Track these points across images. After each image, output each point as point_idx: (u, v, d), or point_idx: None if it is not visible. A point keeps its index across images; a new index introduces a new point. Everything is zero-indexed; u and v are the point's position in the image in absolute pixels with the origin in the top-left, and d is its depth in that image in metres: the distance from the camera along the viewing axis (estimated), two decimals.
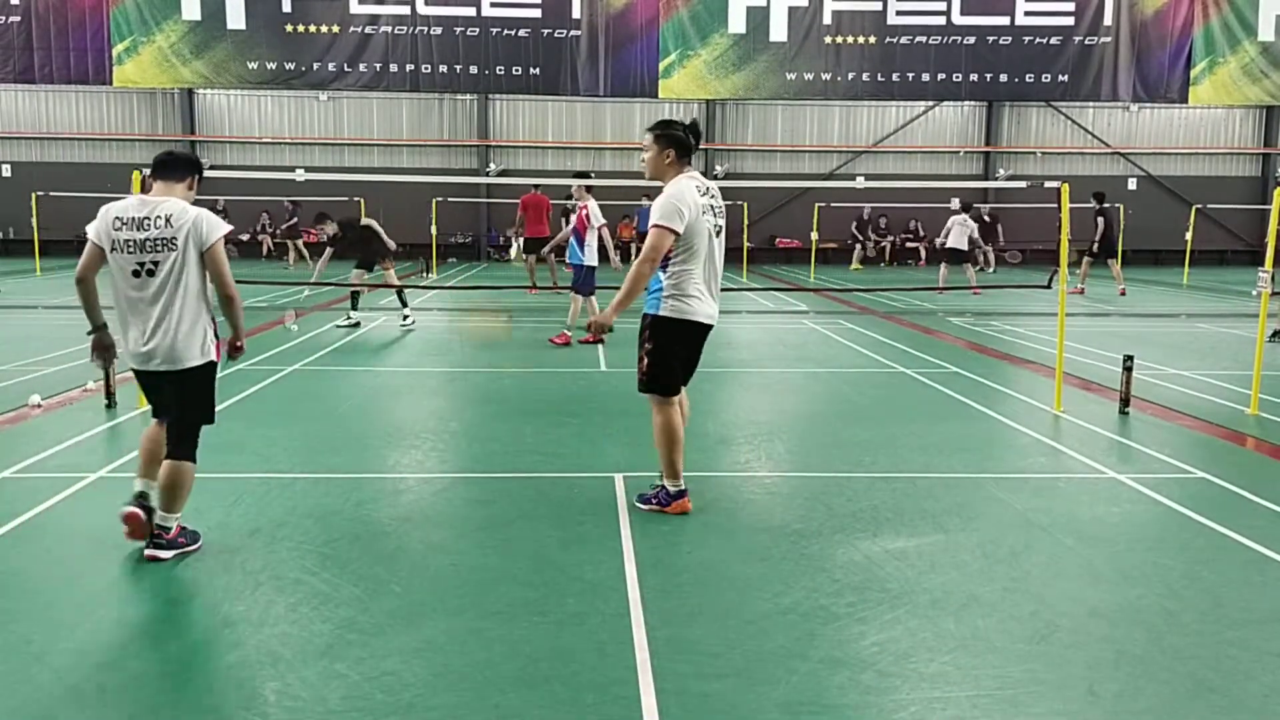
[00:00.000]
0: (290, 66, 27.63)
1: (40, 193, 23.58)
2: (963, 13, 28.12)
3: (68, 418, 7.45)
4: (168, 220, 4.42)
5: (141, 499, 4.66)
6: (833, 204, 26.55)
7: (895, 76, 28.45)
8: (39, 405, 7.76)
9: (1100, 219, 19.33)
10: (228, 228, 4.66)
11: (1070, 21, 28.33)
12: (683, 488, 5.29)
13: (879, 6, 28.05)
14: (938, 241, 21.03)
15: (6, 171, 28.67)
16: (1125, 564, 4.63)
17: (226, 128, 29.71)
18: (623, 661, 3.58)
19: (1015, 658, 3.67)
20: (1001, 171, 30.12)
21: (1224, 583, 4.41)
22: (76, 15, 27.01)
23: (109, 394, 7.79)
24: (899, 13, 28.06)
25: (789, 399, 8.96)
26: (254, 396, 8.32)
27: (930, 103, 29.48)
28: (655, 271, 5.08)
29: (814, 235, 24.09)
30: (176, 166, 4.66)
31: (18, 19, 26.92)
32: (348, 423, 7.57)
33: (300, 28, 27.45)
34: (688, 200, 5.00)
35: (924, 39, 28.26)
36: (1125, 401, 8.01)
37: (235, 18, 27.24)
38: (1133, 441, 7.12)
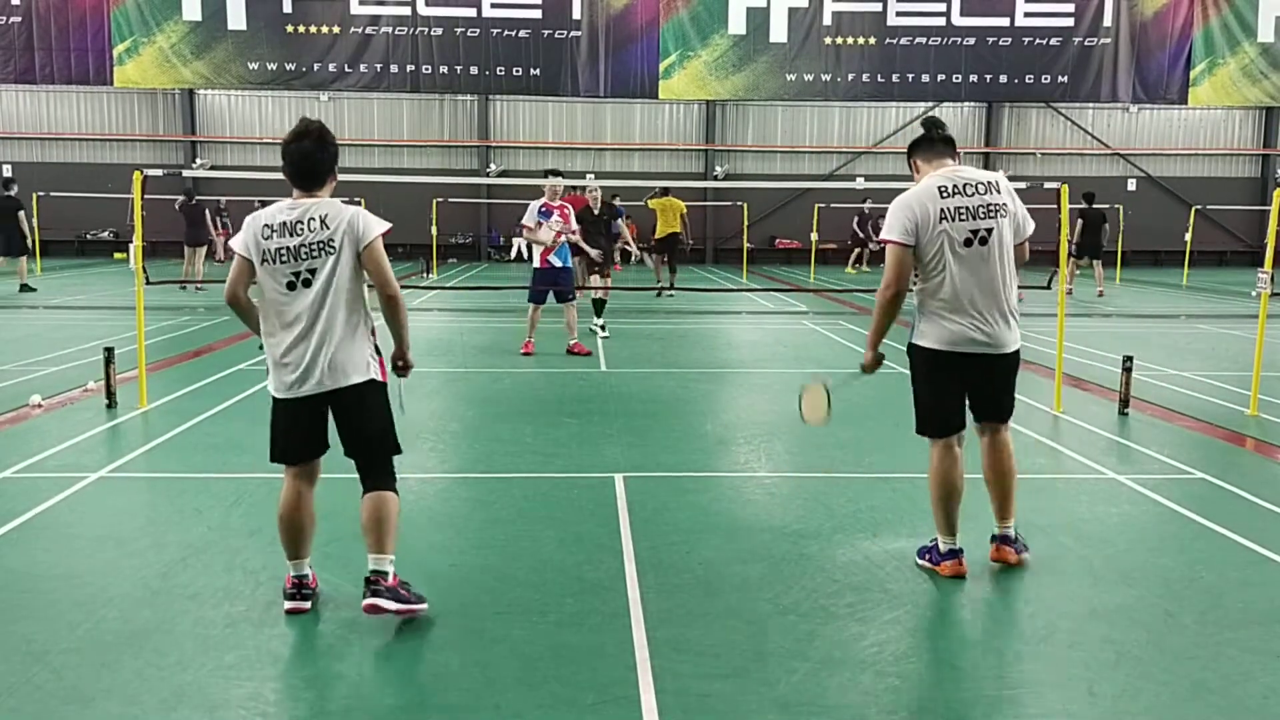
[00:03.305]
0: (291, 67, 27.66)
1: (41, 193, 23.60)
2: (963, 14, 28.14)
3: (68, 418, 7.45)
4: (322, 221, 3.90)
5: (301, 584, 4.07)
6: (832, 205, 26.52)
7: (895, 77, 28.47)
8: (39, 405, 7.76)
9: (1080, 220, 19.27)
10: (387, 225, 4.03)
11: (1070, 23, 28.36)
12: (955, 546, 4.42)
13: (879, 7, 28.08)
14: None
15: (7, 171, 28.66)
16: (1124, 564, 4.64)
17: (227, 128, 29.75)
18: (623, 661, 3.58)
19: (1015, 658, 3.67)
20: (1001, 172, 30.10)
21: (1223, 583, 4.41)
22: (77, 16, 27.03)
23: (109, 394, 7.79)
24: (899, 14, 28.09)
25: (789, 399, 8.94)
26: (254, 396, 8.30)
27: (930, 104, 29.48)
28: (900, 293, 4.33)
29: (814, 236, 24.08)
30: (318, 173, 3.99)
31: (18, 19, 26.96)
32: None
33: (301, 28, 27.47)
34: (914, 205, 4.26)
35: (924, 40, 28.29)
36: (1125, 402, 8.01)
37: (236, 18, 27.28)
38: (1132, 442, 7.12)
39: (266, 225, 3.92)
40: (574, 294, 11.23)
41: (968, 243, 4.24)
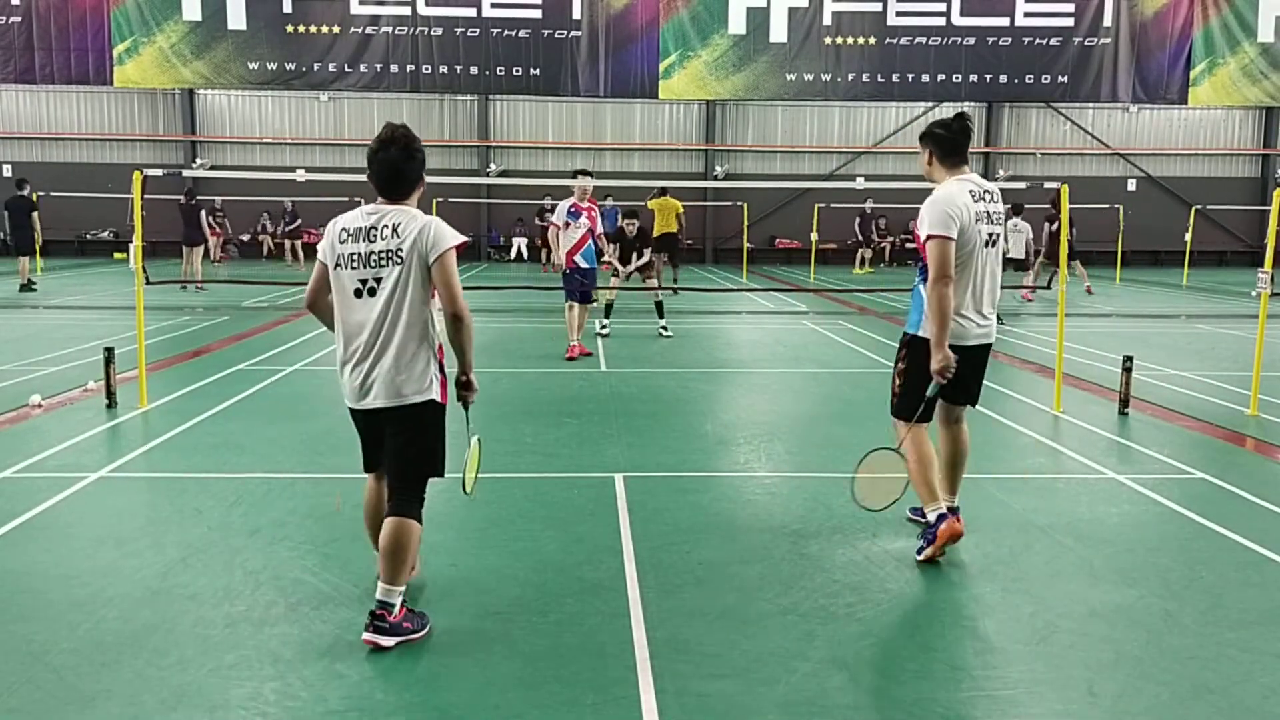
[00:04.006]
0: (291, 67, 27.65)
1: (41, 193, 23.59)
2: (963, 14, 28.13)
3: (68, 418, 7.45)
4: (394, 230, 3.75)
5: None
6: (832, 205, 26.52)
7: (895, 77, 28.46)
8: (39, 405, 7.77)
9: (1055, 226, 19.37)
10: (461, 238, 3.85)
11: (1070, 23, 28.35)
12: (942, 510, 4.61)
13: (879, 7, 28.08)
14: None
15: (7, 171, 28.67)
16: (1124, 564, 4.64)
17: (227, 128, 29.74)
18: (623, 661, 3.58)
19: (1015, 658, 3.67)
20: (1001, 172, 30.14)
21: (1223, 583, 4.41)
22: (77, 15, 27.03)
23: (109, 394, 7.79)
24: (899, 14, 28.09)
25: (789, 399, 8.97)
26: (254, 396, 8.31)
27: (930, 103, 29.49)
28: (951, 281, 4.50)
29: (814, 236, 24.07)
30: (404, 183, 3.85)
31: (18, 19, 26.95)
32: (348, 423, 7.54)
33: (301, 28, 27.47)
34: (958, 204, 4.52)
35: (924, 40, 28.28)
36: (1125, 402, 8.02)
37: (236, 18, 27.27)
38: (1132, 442, 7.13)
39: (344, 229, 3.84)
40: (595, 298, 11.40)
41: (986, 245, 4.66)
